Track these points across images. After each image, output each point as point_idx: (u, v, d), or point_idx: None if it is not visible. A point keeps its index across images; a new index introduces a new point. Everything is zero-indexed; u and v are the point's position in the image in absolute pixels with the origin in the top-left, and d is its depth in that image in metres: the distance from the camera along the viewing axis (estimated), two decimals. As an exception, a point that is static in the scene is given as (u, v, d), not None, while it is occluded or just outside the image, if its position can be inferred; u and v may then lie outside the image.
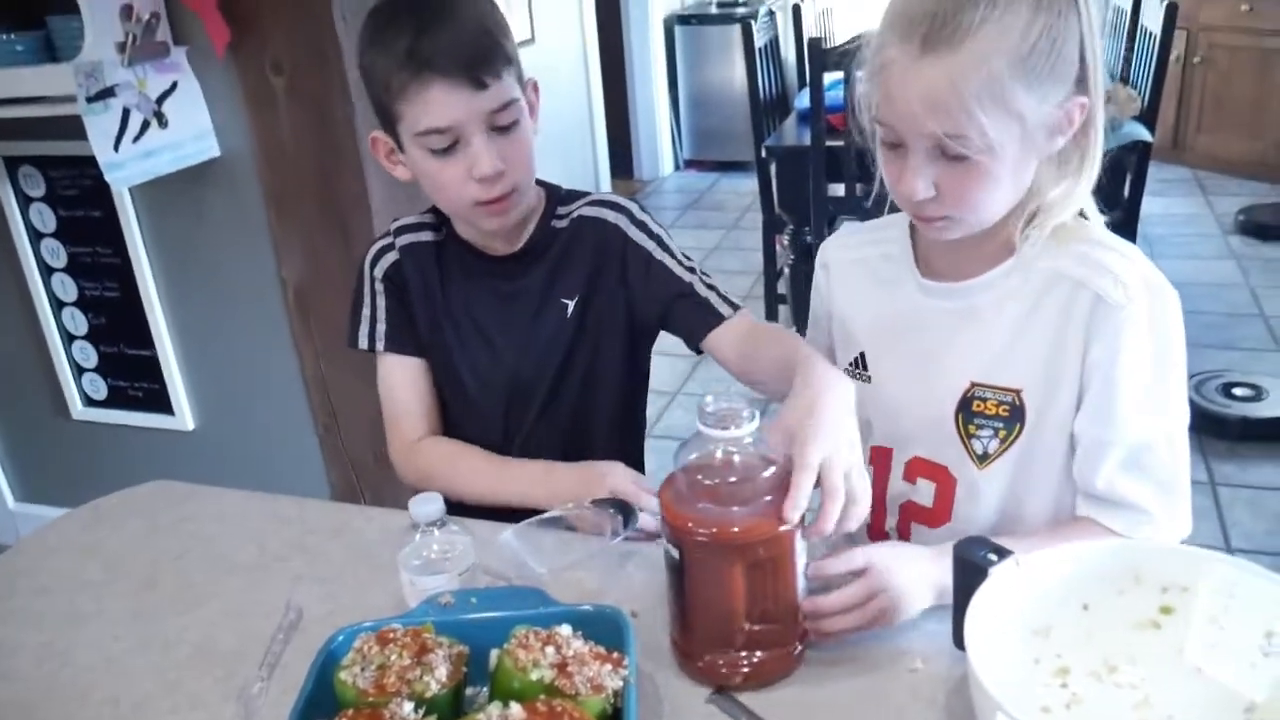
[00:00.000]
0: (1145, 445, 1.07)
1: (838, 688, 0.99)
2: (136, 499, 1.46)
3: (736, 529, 0.93)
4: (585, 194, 1.43)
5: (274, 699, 1.03)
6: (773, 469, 0.95)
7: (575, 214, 1.39)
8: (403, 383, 1.42)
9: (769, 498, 0.94)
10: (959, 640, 0.97)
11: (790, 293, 3.80)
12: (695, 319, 1.34)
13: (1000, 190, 1.05)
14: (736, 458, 0.96)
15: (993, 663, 0.83)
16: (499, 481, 1.33)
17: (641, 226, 1.39)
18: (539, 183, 1.41)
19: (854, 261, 1.27)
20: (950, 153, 1.01)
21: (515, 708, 0.84)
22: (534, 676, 0.87)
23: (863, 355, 1.24)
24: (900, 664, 1.00)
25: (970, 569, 0.93)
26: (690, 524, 0.94)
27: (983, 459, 1.15)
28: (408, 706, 0.86)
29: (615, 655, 0.92)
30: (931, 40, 0.98)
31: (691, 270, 1.38)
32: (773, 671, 1.00)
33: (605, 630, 0.95)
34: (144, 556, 1.31)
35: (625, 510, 1.17)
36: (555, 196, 1.41)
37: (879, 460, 1.24)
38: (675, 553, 0.96)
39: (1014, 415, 1.12)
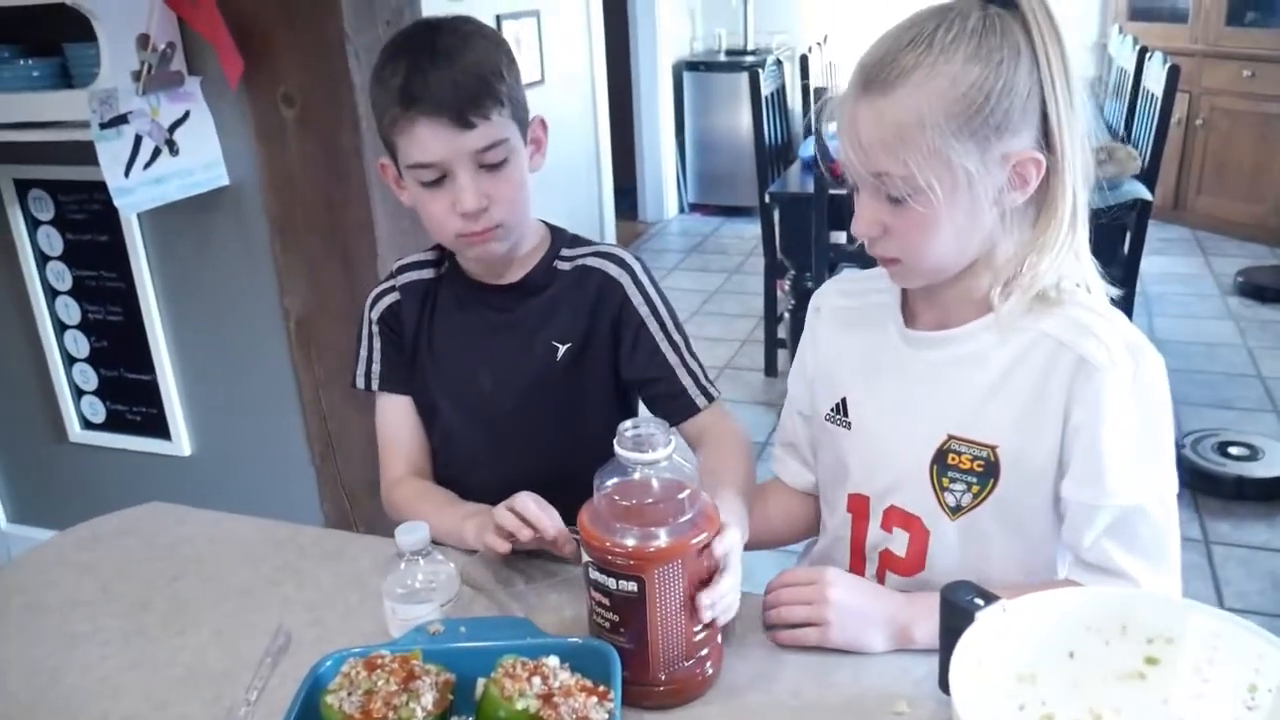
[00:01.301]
0: (1134, 510, 1.07)
1: (823, 729, 0.99)
2: (133, 520, 1.46)
3: (691, 541, 0.98)
4: (592, 242, 1.44)
5: (260, 722, 1.03)
6: (688, 490, 1.00)
7: (580, 261, 1.40)
8: (394, 421, 1.45)
9: (693, 513, 1.00)
10: (944, 684, 0.98)
11: (790, 337, 3.81)
12: (665, 408, 1.37)
13: (941, 237, 1.06)
14: (654, 481, 1.00)
15: (977, 708, 0.83)
16: (437, 523, 1.29)
17: (642, 290, 1.39)
18: (546, 225, 1.43)
19: (845, 308, 1.29)
20: (889, 194, 1.04)
21: (500, 736, 0.84)
22: (519, 706, 0.88)
23: (844, 401, 1.25)
24: (885, 706, 1.00)
25: (957, 613, 0.93)
26: (646, 546, 0.97)
27: (955, 511, 1.15)
28: (393, 732, 0.86)
29: (601, 689, 0.92)
30: (870, 82, 1.02)
31: (677, 349, 1.39)
32: (716, 666, 1.05)
33: (593, 664, 0.96)
34: (139, 577, 1.32)
35: None
36: (560, 239, 1.42)
37: (857, 508, 1.25)
38: (632, 585, 0.97)
39: (988, 471, 1.12)
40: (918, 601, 1.10)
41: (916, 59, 1.00)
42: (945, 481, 1.15)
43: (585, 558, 1.01)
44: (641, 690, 1.01)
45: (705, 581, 1.01)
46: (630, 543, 0.97)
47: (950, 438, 1.14)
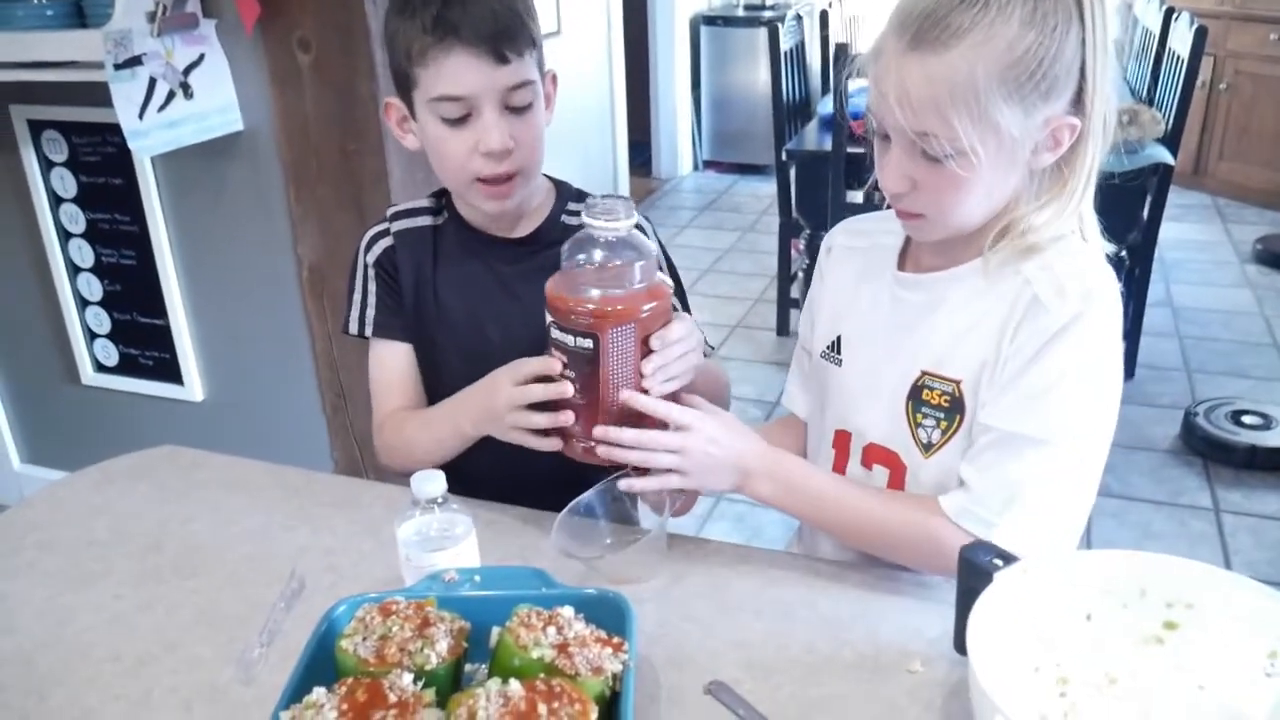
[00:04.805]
0: (1017, 439, 1.06)
1: (836, 686, 0.99)
2: (147, 462, 1.46)
3: (647, 301, 1.07)
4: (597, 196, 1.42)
5: (273, 665, 1.03)
6: (644, 261, 1.08)
7: None
8: (388, 368, 1.42)
9: (648, 282, 1.08)
10: (959, 645, 0.98)
11: (804, 297, 3.80)
12: None
13: (973, 198, 1.06)
14: (614, 249, 1.07)
15: (993, 668, 0.83)
16: (428, 429, 1.32)
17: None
18: (549, 179, 1.41)
19: (852, 249, 1.29)
20: (926, 152, 1.03)
21: (515, 684, 0.83)
22: (535, 655, 0.87)
23: (839, 339, 1.26)
24: (899, 665, 1.00)
25: (975, 573, 0.93)
26: (605, 302, 1.05)
27: (928, 448, 1.16)
28: (407, 678, 0.86)
29: (616, 640, 0.92)
30: (920, 38, 1.00)
31: (686, 307, 1.38)
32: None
33: (607, 614, 0.95)
34: (152, 519, 1.32)
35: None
36: (566, 192, 1.41)
37: (840, 445, 1.26)
38: (587, 341, 1.06)
39: (954, 406, 1.13)
40: (770, 457, 1.15)
41: (972, 19, 0.98)
42: (919, 418, 1.16)
43: (548, 318, 1.09)
44: (586, 447, 1.11)
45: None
46: (588, 302, 1.05)
47: (924, 374, 1.15)
